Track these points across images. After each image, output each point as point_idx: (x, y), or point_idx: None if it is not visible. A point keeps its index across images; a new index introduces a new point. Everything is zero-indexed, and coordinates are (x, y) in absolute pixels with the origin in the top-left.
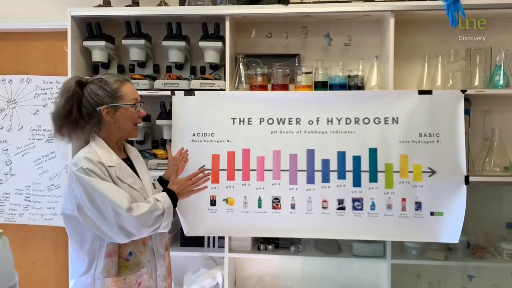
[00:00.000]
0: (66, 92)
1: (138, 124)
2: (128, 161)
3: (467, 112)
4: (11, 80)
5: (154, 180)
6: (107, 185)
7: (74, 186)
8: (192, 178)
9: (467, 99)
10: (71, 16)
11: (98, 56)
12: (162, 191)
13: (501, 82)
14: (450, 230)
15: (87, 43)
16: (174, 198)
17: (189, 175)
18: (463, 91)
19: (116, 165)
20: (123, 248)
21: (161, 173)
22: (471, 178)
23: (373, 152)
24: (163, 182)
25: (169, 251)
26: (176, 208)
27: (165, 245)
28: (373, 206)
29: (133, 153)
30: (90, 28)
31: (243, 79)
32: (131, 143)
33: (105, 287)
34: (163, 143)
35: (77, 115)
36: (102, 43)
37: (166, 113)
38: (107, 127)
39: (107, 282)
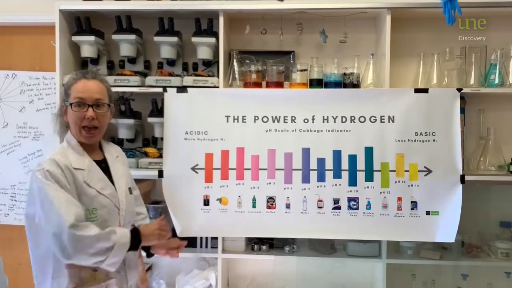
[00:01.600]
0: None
1: (86, 128)
2: (102, 163)
3: (462, 110)
4: None
5: (130, 187)
6: (61, 194)
7: (33, 185)
8: (163, 228)
9: (462, 98)
10: (59, 10)
11: (87, 51)
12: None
13: (496, 81)
14: (446, 230)
15: (75, 38)
16: (137, 239)
17: (161, 225)
18: (459, 90)
19: (87, 168)
20: None
21: (152, 173)
22: (466, 177)
23: (369, 151)
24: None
25: (142, 258)
26: (169, 208)
27: (138, 252)
28: (368, 206)
29: (112, 153)
30: (79, 22)
31: (237, 76)
32: (121, 141)
33: None
34: (154, 141)
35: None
36: (92, 38)
37: (158, 111)
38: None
39: None
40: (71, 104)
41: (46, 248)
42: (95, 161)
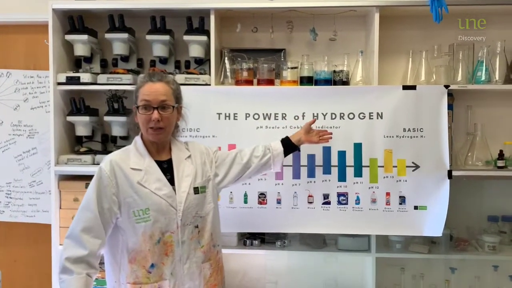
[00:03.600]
0: None
1: (153, 128)
2: (166, 163)
3: (450, 107)
4: None
5: (197, 186)
6: (90, 200)
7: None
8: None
9: (450, 94)
10: (52, 9)
11: (81, 50)
12: None
13: (483, 78)
14: (434, 224)
15: (69, 37)
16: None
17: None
18: (447, 87)
19: (144, 169)
20: (145, 259)
21: None
22: (454, 172)
23: (358, 147)
24: (286, 143)
25: (211, 262)
26: None
27: (204, 256)
28: (357, 201)
29: (182, 153)
30: (72, 21)
31: (228, 73)
32: (115, 138)
33: None
34: None
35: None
36: (85, 36)
37: None
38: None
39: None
40: (138, 107)
41: (121, 240)
42: (158, 161)
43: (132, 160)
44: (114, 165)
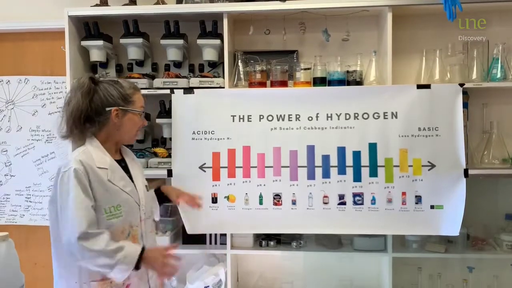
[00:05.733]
0: (81, 88)
1: (138, 131)
2: (122, 162)
3: (465, 105)
4: (8, 81)
5: (146, 184)
6: (79, 198)
7: (58, 179)
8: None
9: (465, 93)
10: (68, 16)
11: (96, 55)
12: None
13: (498, 75)
14: (450, 223)
15: (84, 43)
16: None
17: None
18: (461, 85)
19: (109, 167)
20: None
21: (162, 172)
22: (470, 171)
23: (372, 147)
24: (158, 193)
25: None
26: (178, 207)
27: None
28: (373, 201)
29: (129, 156)
30: (88, 27)
31: (242, 76)
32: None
33: None
34: (163, 142)
35: (90, 112)
36: (100, 42)
37: (166, 112)
38: (108, 129)
39: (93, 286)
40: (139, 113)
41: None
42: (116, 160)
43: (96, 159)
44: (85, 165)
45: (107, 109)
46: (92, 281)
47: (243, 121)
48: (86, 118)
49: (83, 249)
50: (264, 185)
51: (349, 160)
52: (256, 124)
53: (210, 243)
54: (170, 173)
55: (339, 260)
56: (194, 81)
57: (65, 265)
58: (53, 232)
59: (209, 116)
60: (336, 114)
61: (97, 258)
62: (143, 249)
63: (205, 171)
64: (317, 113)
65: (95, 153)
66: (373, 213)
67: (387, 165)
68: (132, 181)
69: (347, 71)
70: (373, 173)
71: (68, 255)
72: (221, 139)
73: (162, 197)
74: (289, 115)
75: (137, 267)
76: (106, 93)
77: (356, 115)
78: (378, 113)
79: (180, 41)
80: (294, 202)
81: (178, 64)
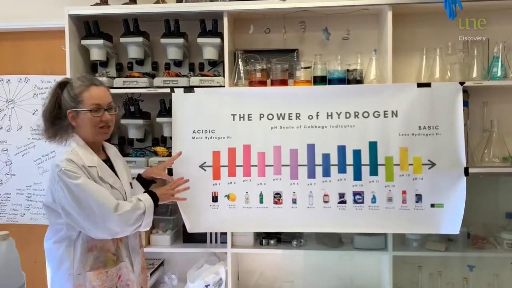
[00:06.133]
0: (51, 91)
1: (103, 127)
2: (108, 162)
3: (465, 104)
4: (9, 80)
5: (133, 178)
6: (93, 185)
7: (58, 186)
8: (173, 186)
9: (465, 91)
10: (68, 15)
11: (96, 54)
12: (144, 192)
13: (499, 74)
14: (451, 222)
15: (85, 42)
16: (155, 198)
17: (170, 184)
18: (462, 83)
19: (98, 166)
20: (110, 243)
21: None
22: (471, 170)
23: (373, 146)
24: (141, 180)
25: (143, 249)
26: (178, 206)
27: (139, 243)
28: (374, 199)
29: (112, 152)
30: (88, 26)
31: (242, 75)
32: (131, 141)
33: (87, 281)
34: (164, 141)
35: (57, 114)
36: (100, 41)
37: (166, 111)
38: (77, 130)
39: (89, 275)
40: (89, 111)
41: (68, 235)
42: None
43: (84, 159)
44: (76, 163)
45: (67, 112)
46: (88, 271)
47: (244, 120)
48: (52, 122)
49: (119, 216)
50: (265, 183)
51: (349, 159)
52: (257, 123)
53: (211, 242)
54: (170, 172)
55: (340, 258)
56: (194, 80)
57: (59, 258)
58: (52, 226)
59: (210, 115)
60: (336, 112)
61: (132, 213)
62: (152, 192)
63: (205, 170)
64: (317, 112)
65: (82, 153)
66: (374, 211)
67: (387, 164)
68: (118, 178)
69: (347, 70)
70: (374, 171)
71: (104, 233)
72: (221, 138)
73: (147, 182)
74: (289, 113)
75: (156, 204)
76: (63, 97)
77: (356, 113)
78: (378, 112)
79: (180, 40)
80: (294, 201)
81: (178, 63)
